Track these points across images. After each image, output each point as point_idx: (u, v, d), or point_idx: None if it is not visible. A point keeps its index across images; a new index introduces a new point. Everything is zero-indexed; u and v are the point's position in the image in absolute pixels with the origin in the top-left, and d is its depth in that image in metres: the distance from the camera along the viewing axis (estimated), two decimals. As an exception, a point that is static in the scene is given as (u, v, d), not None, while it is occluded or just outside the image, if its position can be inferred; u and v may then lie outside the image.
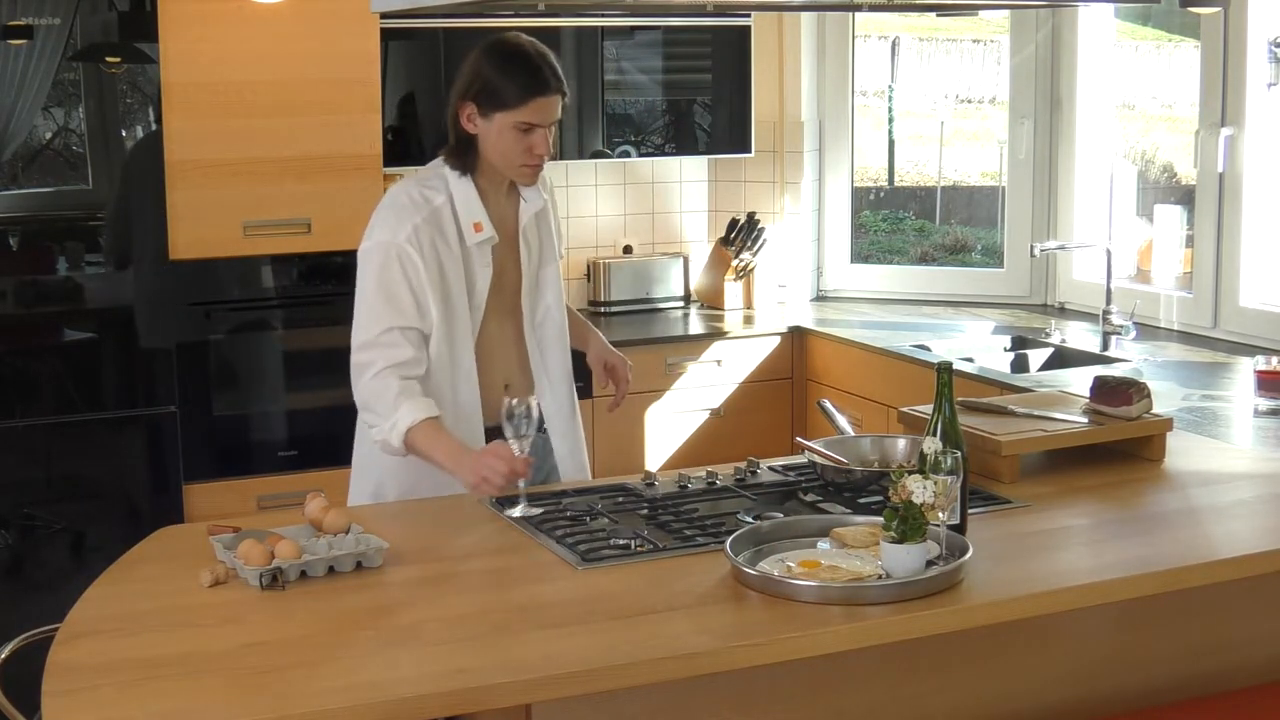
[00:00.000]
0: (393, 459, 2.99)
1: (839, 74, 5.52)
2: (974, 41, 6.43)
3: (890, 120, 6.29)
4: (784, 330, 5.06)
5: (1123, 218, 5.23)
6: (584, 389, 4.75)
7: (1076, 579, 2.42)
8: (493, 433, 2.99)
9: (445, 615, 2.27)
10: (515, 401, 2.78)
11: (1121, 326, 4.55)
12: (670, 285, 5.40)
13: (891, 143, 6.36)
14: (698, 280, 5.49)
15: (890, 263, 5.91)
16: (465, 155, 2.96)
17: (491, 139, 2.92)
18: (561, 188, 5.34)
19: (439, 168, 3.01)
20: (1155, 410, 3.08)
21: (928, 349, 4.64)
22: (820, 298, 5.61)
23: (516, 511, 2.74)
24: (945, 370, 2.60)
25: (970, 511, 2.67)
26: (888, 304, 5.45)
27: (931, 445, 2.43)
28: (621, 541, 2.54)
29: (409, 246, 2.89)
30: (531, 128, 2.89)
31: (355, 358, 2.93)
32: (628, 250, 5.44)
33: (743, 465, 2.99)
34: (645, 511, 2.75)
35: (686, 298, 5.45)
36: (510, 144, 2.90)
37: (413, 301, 2.90)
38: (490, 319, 3.05)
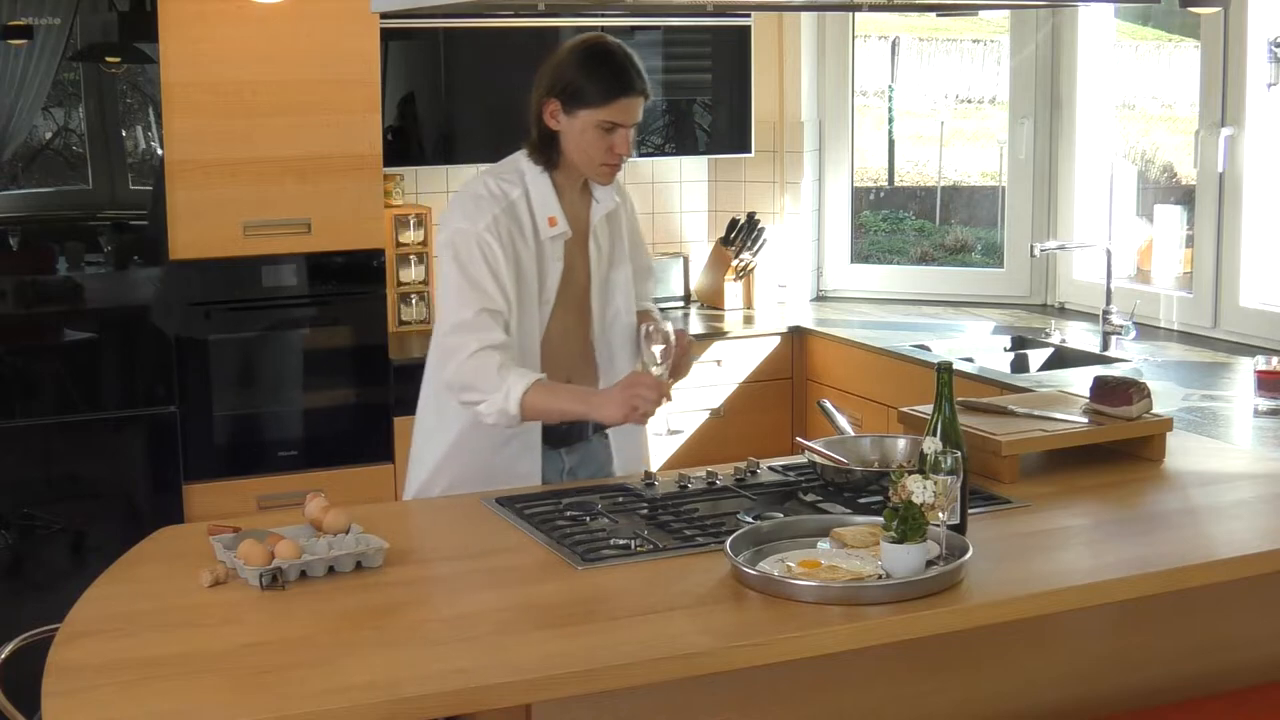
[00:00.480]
0: (443, 452, 3.03)
1: (839, 74, 5.52)
2: (974, 41, 6.43)
3: (890, 120, 6.29)
4: (784, 330, 5.06)
5: (1123, 218, 5.23)
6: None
7: (1076, 579, 2.42)
8: (549, 432, 3.05)
9: (445, 615, 2.27)
10: (652, 328, 2.85)
11: (1121, 326, 4.55)
12: (670, 285, 5.40)
13: (891, 143, 6.36)
14: (698, 280, 5.49)
15: (890, 263, 5.91)
16: (547, 151, 2.99)
17: (574, 136, 2.95)
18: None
19: (515, 162, 3.05)
20: (1155, 410, 3.08)
21: (928, 349, 4.64)
22: (820, 298, 5.61)
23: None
24: (945, 370, 2.60)
25: (970, 511, 2.67)
26: (888, 304, 5.45)
27: (931, 445, 2.43)
28: (621, 541, 2.54)
29: (489, 235, 2.92)
30: (614, 127, 2.93)
31: (447, 340, 2.93)
32: (628, 250, 5.44)
33: (743, 465, 2.99)
34: (645, 511, 2.75)
35: (687, 298, 5.45)
36: (591, 142, 2.94)
37: (497, 287, 2.92)
38: (557, 315, 3.05)
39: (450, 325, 2.93)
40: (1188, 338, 4.66)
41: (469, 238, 2.92)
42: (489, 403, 2.87)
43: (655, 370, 2.82)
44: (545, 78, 2.99)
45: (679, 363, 2.96)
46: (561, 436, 3.11)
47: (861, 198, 5.98)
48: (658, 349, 2.84)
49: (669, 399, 2.83)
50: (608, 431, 3.18)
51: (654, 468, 3.06)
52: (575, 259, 3.07)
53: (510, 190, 2.98)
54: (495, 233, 2.93)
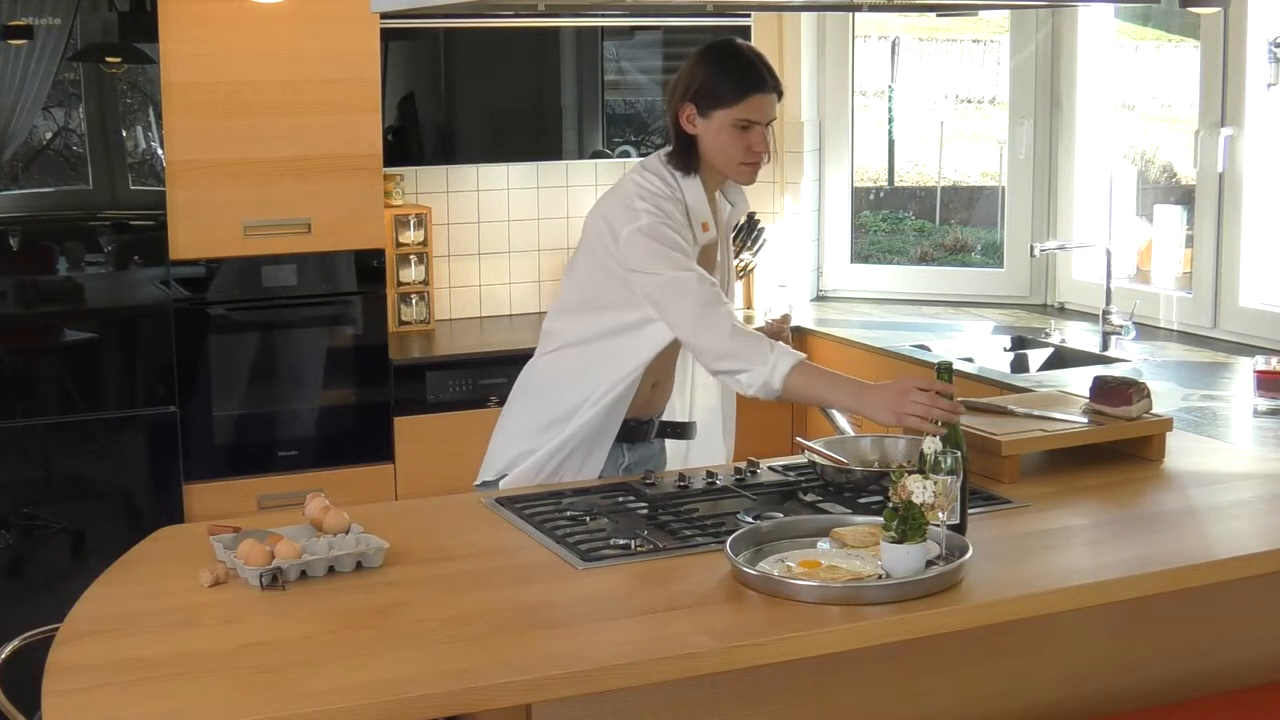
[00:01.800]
0: (529, 445, 3.06)
1: (839, 74, 5.52)
2: (974, 41, 6.43)
3: (890, 120, 6.28)
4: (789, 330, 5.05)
5: (1123, 218, 5.23)
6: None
7: (1076, 579, 2.42)
8: (629, 428, 3.08)
9: (445, 615, 2.27)
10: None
11: (1121, 326, 4.55)
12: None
13: (891, 143, 6.35)
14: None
15: (890, 263, 5.91)
16: (687, 156, 3.00)
17: (710, 138, 2.97)
18: (561, 188, 5.35)
19: (657, 168, 3.02)
20: (1155, 410, 3.08)
21: (928, 349, 4.64)
22: (820, 298, 5.61)
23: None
24: (945, 371, 2.59)
25: (970, 511, 2.67)
26: (888, 304, 5.45)
27: (931, 445, 2.43)
28: (621, 541, 2.54)
29: (680, 229, 2.94)
30: (750, 125, 2.95)
31: (709, 312, 2.88)
32: (628, 250, 5.43)
33: (743, 465, 2.99)
34: (645, 511, 2.75)
35: (686, 298, 5.44)
36: (729, 142, 2.95)
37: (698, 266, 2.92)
38: None
39: (701, 299, 2.87)
40: (1187, 338, 4.66)
41: (664, 224, 2.91)
42: (752, 374, 2.84)
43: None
44: (679, 84, 3.00)
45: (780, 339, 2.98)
46: (630, 433, 3.11)
47: (861, 198, 5.98)
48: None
49: (955, 415, 2.62)
50: (667, 441, 3.23)
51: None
52: (708, 264, 3.06)
53: (667, 187, 2.99)
54: (682, 229, 2.94)
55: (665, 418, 3.25)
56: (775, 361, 2.83)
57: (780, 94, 3.00)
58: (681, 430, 3.26)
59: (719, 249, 3.15)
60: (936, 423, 2.61)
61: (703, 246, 3.03)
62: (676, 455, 3.29)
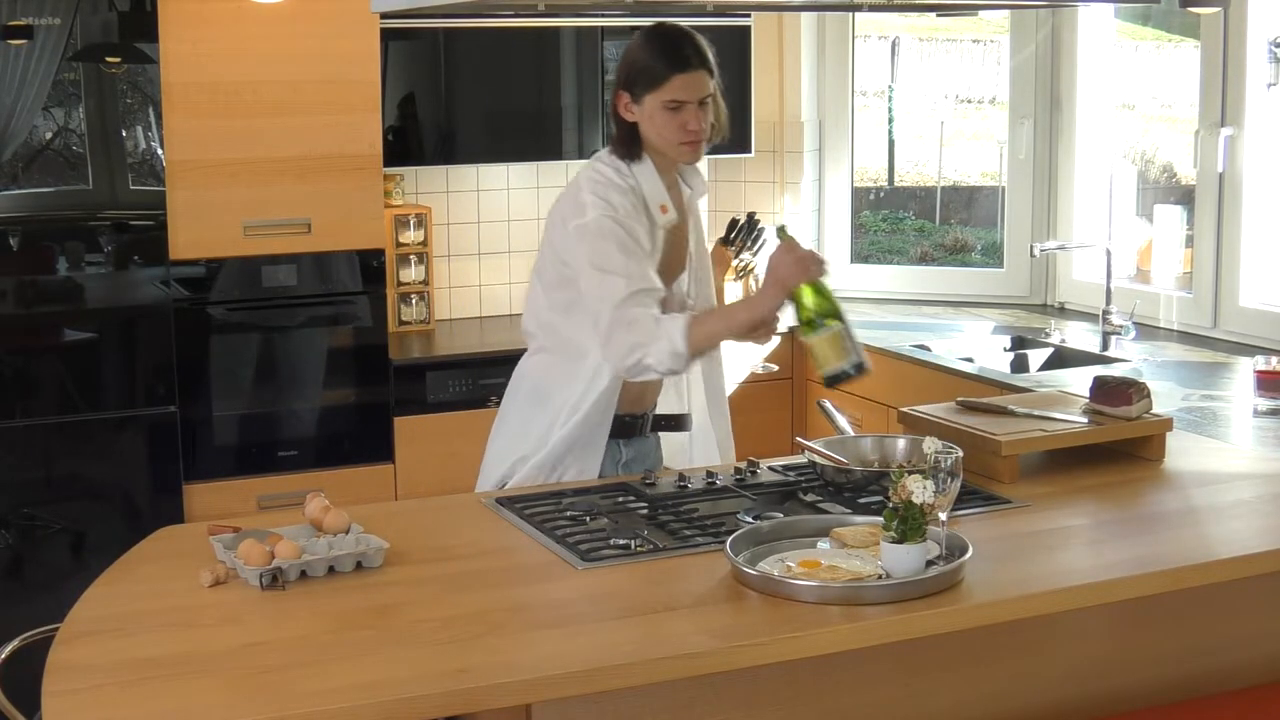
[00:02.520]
0: (525, 452, 3.07)
1: (839, 74, 5.52)
2: (974, 41, 6.43)
3: (890, 120, 6.29)
4: (784, 330, 5.05)
5: (1123, 218, 5.23)
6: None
7: (1076, 579, 2.42)
8: (624, 424, 3.09)
9: (445, 615, 2.27)
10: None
11: (1121, 326, 4.55)
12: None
13: (891, 143, 6.36)
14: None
15: (890, 263, 5.91)
16: (630, 144, 3.04)
17: (647, 122, 3.01)
18: (561, 188, 5.32)
19: (608, 159, 3.06)
20: (1155, 410, 3.08)
21: (928, 349, 4.64)
22: (820, 298, 5.60)
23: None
24: (782, 231, 2.84)
25: (970, 511, 2.68)
26: (888, 304, 5.45)
27: (931, 445, 2.44)
28: (621, 541, 2.54)
29: (629, 220, 2.97)
30: (680, 105, 2.97)
31: (620, 321, 2.90)
32: (628, 250, 5.43)
33: (743, 465, 2.99)
34: (645, 511, 2.75)
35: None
36: (664, 124, 2.99)
37: (640, 265, 2.94)
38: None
39: (608, 307, 2.91)
40: (1187, 338, 4.66)
41: (611, 220, 2.95)
42: (655, 350, 2.86)
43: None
44: (616, 74, 3.05)
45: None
46: (624, 428, 3.13)
47: (861, 198, 5.98)
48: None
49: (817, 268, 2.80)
50: (660, 435, 3.23)
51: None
52: (674, 248, 3.10)
53: (623, 176, 3.02)
54: (630, 213, 2.97)
55: (661, 410, 3.24)
56: (668, 329, 2.86)
57: (711, 71, 3.01)
58: (677, 422, 3.25)
59: (690, 231, 3.15)
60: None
61: (667, 228, 3.05)
62: (678, 450, 3.28)
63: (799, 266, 2.82)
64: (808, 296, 2.78)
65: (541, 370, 3.14)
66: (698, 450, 3.26)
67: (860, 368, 2.79)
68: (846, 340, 2.77)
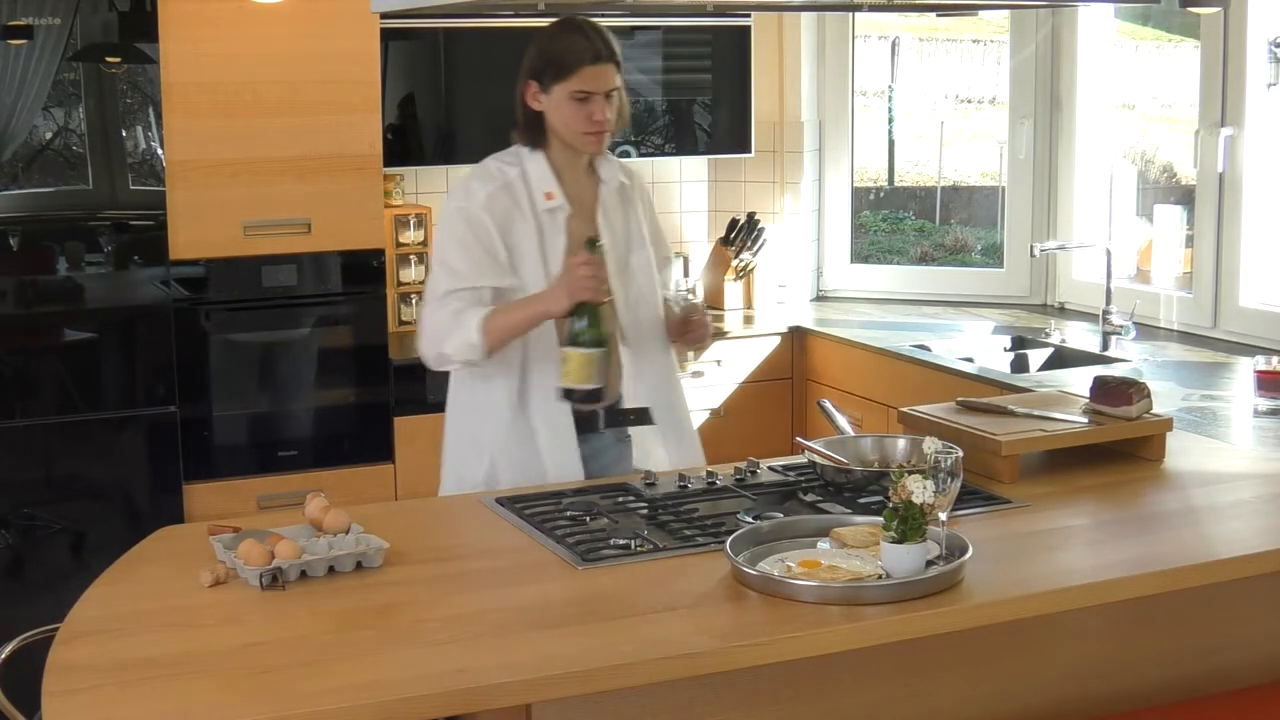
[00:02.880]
0: (464, 469, 3.11)
1: (839, 74, 5.52)
2: (974, 41, 6.43)
3: (890, 120, 6.29)
4: (784, 330, 5.06)
5: (1123, 218, 5.23)
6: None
7: (1076, 579, 2.42)
8: (577, 421, 3.10)
9: (445, 615, 2.27)
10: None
11: (1121, 326, 4.55)
12: (670, 285, 5.39)
13: (891, 143, 6.36)
14: (698, 280, 5.49)
15: (890, 263, 5.91)
16: (534, 131, 3.10)
17: (553, 112, 3.06)
18: (561, 188, 5.34)
19: (515, 149, 3.15)
20: (1155, 410, 3.08)
21: (928, 349, 4.64)
22: (820, 298, 5.61)
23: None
24: (592, 243, 2.91)
25: (970, 511, 2.68)
26: (888, 304, 5.45)
27: (931, 445, 2.44)
28: (621, 541, 2.54)
29: (481, 212, 3.05)
30: (588, 96, 3.02)
31: (427, 308, 3.07)
32: (628, 250, 5.43)
33: (743, 465, 2.99)
34: (645, 511, 2.75)
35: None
36: (570, 114, 3.04)
37: (472, 264, 3.04)
38: None
39: (427, 300, 3.09)
40: (1188, 338, 4.66)
41: (461, 214, 3.06)
42: (452, 341, 3.00)
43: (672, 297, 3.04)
44: (524, 62, 3.10)
45: (693, 324, 3.12)
46: (578, 425, 3.13)
47: (861, 198, 5.98)
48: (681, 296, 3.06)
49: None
50: (629, 430, 3.22)
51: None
52: (575, 233, 3.11)
53: (508, 170, 3.10)
54: (488, 209, 3.05)
55: (620, 406, 3.21)
56: (465, 321, 2.98)
57: (618, 65, 3.06)
58: (635, 417, 3.22)
59: (601, 221, 3.14)
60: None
61: (551, 213, 3.08)
62: (644, 449, 3.25)
63: (590, 285, 2.91)
64: (586, 314, 2.91)
65: (462, 377, 3.19)
66: (670, 449, 3.23)
67: (597, 395, 2.97)
68: (598, 367, 2.92)
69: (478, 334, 2.97)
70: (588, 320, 2.91)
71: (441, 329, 3.01)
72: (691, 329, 3.19)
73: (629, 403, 3.21)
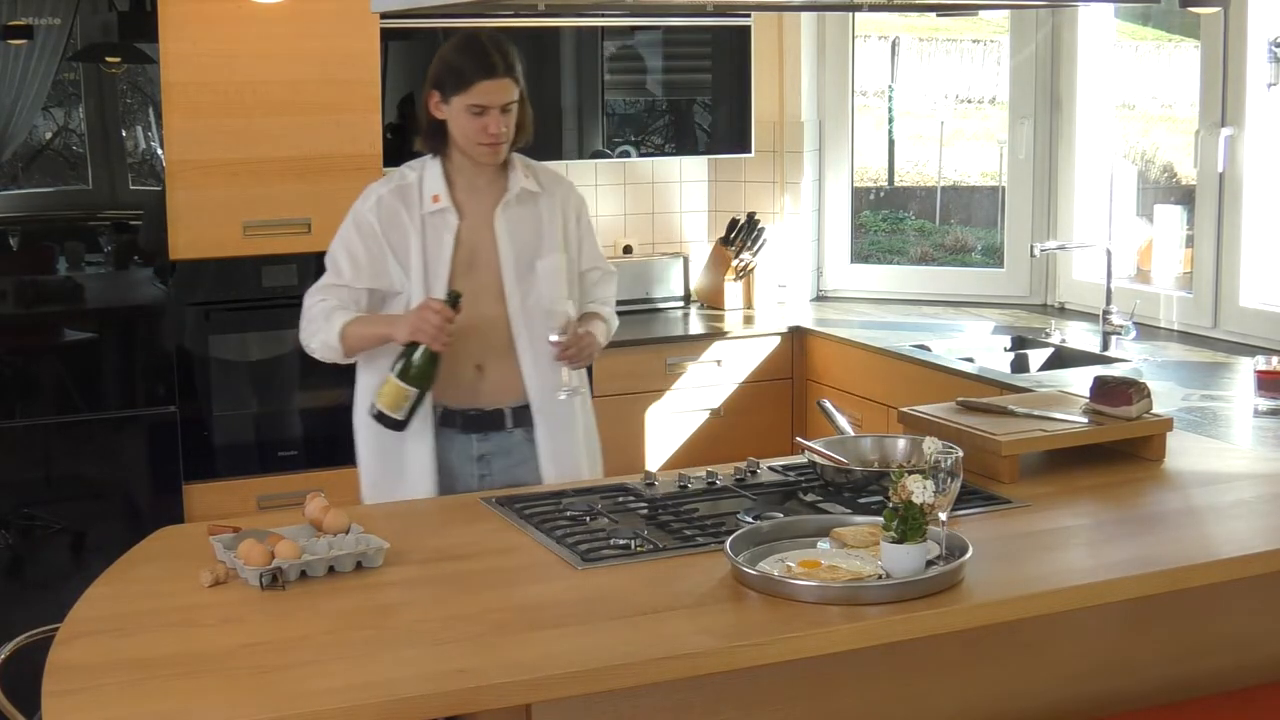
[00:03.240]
0: (366, 450, 3.28)
1: (839, 74, 5.52)
2: (974, 41, 6.43)
3: (890, 120, 6.29)
4: (784, 330, 5.06)
5: (1123, 218, 5.23)
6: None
7: (1076, 579, 2.42)
8: (466, 419, 3.22)
9: (445, 615, 2.27)
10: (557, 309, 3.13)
11: (1121, 326, 4.55)
12: (670, 285, 5.40)
13: (891, 143, 6.36)
14: (698, 280, 5.49)
15: (890, 263, 5.91)
16: (434, 139, 3.22)
17: (452, 122, 3.15)
18: (561, 188, 5.34)
19: (426, 155, 3.27)
20: (1155, 410, 3.08)
21: (928, 349, 4.64)
22: (820, 298, 5.61)
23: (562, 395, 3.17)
24: (453, 297, 3.02)
25: (970, 511, 2.68)
26: (888, 304, 5.45)
27: (931, 445, 2.44)
28: (621, 541, 2.54)
29: (369, 214, 3.21)
30: (483, 109, 3.11)
31: (306, 301, 3.25)
32: (628, 250, 5.44)
33: (743, 465, 2.99)
34: (645, 511, 2.75)
35: (686, 298, 5.45)
36: (466, 125, 3.13)
37: (353, 265, 3.20)
38: (465, 297, 3.12)
39: (310, 293, 3.25)
40: (1188, 338, 4.66)
41: (352, 216, 3.24)
42: (318, 338, 3.18)
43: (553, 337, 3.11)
44: (428, 73, 3.20)
45: (574, 346, 3.14)
46: (473, 422, 3.24)
47: (861, 198, 5.98)
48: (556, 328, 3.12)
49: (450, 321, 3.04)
50: (536, 434, 3.25)
51: (653, 468, 3.07)
52: (480, 242, 3.22)
53: (408, 174, 3.24)
54: (377, 211, 3.20)
55: (517, 404, 3.26)
56: (333, 323, 3.15)
57: (517, 80, 3.13)
58: (526, 417, 3.27)
59: (498, 226, 3.21)
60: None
61: (434, 215, 3.18)
62: (549, 451, 3.28)
63: (431, 332, 3.03)
64: (417, 355, 3.06)
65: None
66: (559, 453, 3.28)
67: (397, 425, 3.12)
68: (409, 404, 3.09)
69: (337, 338, 3.15)
70: (418, 361, 3.06)
71: (313, 324, 3.20)
72: (565, 348, 3.16)
73: (531, 402, 3.26)
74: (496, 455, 3.26)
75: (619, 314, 5.32)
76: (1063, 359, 4.65)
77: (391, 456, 3.23)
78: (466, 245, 3.20)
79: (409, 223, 3.19)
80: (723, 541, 2.44)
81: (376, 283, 3.21)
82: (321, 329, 3.17)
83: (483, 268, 3.21)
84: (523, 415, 3.26)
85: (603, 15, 4.91)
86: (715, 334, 5.01)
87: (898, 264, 5.89)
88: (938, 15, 5.40)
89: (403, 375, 3.07)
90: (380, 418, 3.12)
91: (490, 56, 3.10)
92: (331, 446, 4.54)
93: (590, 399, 3.41)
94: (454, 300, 3.06)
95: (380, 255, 3.19)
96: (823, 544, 2.47)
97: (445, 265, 3.18)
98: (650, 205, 5.53)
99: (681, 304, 5.41)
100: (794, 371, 5.04)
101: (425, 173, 3.22)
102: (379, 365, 3.18)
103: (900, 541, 2.30)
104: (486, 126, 3.11)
